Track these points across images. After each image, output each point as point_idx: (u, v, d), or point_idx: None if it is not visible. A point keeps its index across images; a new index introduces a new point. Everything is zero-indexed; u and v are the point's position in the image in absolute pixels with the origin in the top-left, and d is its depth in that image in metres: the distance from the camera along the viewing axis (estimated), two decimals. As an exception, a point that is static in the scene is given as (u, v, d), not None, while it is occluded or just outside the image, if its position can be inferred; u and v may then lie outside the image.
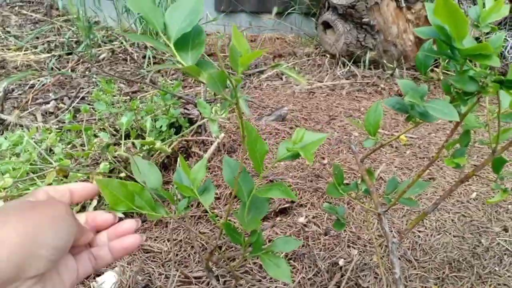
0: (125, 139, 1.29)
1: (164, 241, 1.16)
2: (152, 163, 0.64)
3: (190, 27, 0.41)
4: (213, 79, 0.40)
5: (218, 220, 1.17)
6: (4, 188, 0.85)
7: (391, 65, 2.45)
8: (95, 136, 1.36)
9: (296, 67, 2.56)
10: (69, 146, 1.35)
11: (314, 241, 1.11)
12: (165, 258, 1.11)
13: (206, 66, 0.43)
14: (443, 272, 1.03)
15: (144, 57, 2.49)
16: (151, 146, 1.22)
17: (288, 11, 3.29)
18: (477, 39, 0.72)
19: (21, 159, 0.91)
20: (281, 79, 2.35)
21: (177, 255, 1.12)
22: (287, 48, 2.96)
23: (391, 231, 1.15)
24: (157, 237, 1.18)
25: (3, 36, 2.70)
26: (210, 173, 1.36)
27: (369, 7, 2.27)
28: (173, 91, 1.44)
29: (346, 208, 1.22)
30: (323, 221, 1.17)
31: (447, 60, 0.69)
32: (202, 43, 0.43)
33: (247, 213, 0.66)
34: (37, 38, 2.72)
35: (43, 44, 2.64)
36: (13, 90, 2.08)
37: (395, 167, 1.41)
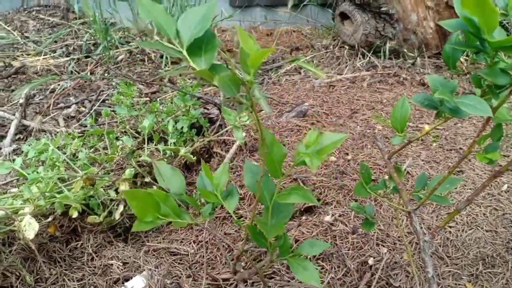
0: (147, 142, 1.28)
1: (190, 243, 1.16)
2: (175, 168, 0.64)
3: (202, 32, 0.42)
4: (226, 82, 0.39)
5: (243, 222, 1.16)
6: (33, 200, 0.86)
7: (412, 54, 2.39)
8: (117, 139, 1.36)
9: (315, 60, 2.52)
10: (92, 150, 1.35)
11: (342, 240, 1.09)
12: (192, 260, 1.11)
13: (220, 69, 0.43)
14: (477, 269, 1.00)
15: (161, 57, 2.49)
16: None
17: (304, 3, 3.24)
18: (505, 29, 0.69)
19: (50, 174, 0.91)
20: (300, 73, 2.32)
21: (203, 256, 1.11)
22: (304, 40, 2.92)
23: (421, 228, 1.12)
24: (183, 239, 1.18)
25: (22, 42, 2.73)
26: (233, 174, 1.35)
27: (387, -5, 2.23)
28: (192, 91, 1.43)
29: (373, 205, 1.20)
30: (350, 219, 1.15)
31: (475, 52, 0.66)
32: (215, 47, 0.43)
33: (271, 218, 0.64)
34: (55, 42, 2.75)
35: (61, 48, 2.67)
36: (34, 95, 2.11)
37: (422, 160, 1.38)
